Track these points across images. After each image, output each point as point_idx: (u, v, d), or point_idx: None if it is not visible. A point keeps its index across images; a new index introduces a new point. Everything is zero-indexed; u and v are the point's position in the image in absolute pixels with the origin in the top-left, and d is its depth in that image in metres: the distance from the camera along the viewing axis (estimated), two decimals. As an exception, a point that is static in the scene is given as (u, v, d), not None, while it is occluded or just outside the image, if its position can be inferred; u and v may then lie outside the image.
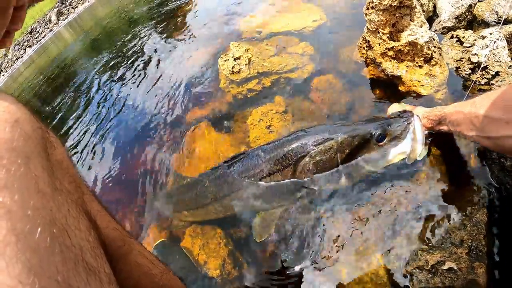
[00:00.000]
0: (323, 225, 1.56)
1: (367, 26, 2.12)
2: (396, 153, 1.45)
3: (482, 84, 1.75)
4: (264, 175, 1.60)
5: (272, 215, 1.60)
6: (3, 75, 14.94)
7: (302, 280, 1.44)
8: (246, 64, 2.65)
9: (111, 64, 5.25)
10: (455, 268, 1.20)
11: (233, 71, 2.66)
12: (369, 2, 2.01)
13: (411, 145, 1.41)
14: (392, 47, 1.99)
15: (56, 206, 0.57)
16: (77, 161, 3.22)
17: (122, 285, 0.78)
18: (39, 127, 0.63)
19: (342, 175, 1.50)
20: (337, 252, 1.46)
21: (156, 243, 1.85)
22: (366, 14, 2.07)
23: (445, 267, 1.22)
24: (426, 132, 1.47)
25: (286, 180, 1.57)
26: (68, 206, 0.62)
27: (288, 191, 1.58)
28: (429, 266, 1.24)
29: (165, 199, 2.13)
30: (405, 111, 1.50)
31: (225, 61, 2.76)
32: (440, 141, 1.58)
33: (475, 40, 1.87)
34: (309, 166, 1.52)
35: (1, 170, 0.50)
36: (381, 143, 1.45)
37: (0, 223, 0.46)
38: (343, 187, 1.55)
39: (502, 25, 1.94)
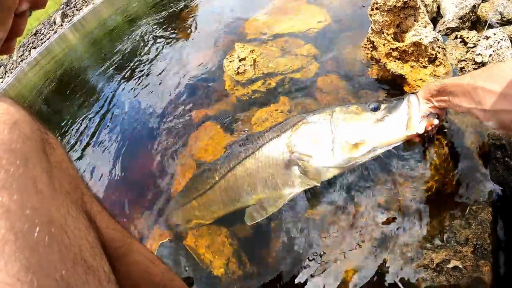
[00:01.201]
0: (326, 223, 1.57)
1: (371, 27, 2.13)
2: (392, 122, 1.43)
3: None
4: (264, 142, 1.64)
5: (268, 201, 1.60)
6: (8, 76, 15.03)
7: (307, 278, 1.45)
8: (251, 65, 2.67)
9: (115, 65, 5.27)
10: (460, 266, 1.20)
11: (238, 71, 2.68)
12: (374, 3, 2.02)
13: (407, 113, 1.40)
14: (397, 48, 2.00)
15: (55, 206, 0.58)
16: (83, 161, 3.25)
17: (122, 284, 0.78)
18: (38, 128, 0.64)
19: (336, 142, 1.48)
20: (341, 250, 1.46)
21: (161, 242, 1.85)
22: (370, 15, 2.08)
23: (450, 265, 1.22)
24: (426, 106, 1.43)
25: (284, 147, 1.59)
26: (67, 206, 0.63)
27: (284, 162, 1.58)
28: (434, 265, 1.25)
29: (177, 198, 2.15)
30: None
31: (230, 62, 2.79)
32: (444, 139, 1.59)
33: (479, 40, 1.87)
34: (302, 129, 1.55)
35: (0, 171, 0.50)
36: (376, 112, 1.47)
37: None
38: (339, 161, 1.52)
39: (505, 25, 1.95)
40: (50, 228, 0.53)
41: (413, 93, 1.47)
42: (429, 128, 1.41)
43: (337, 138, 1.48)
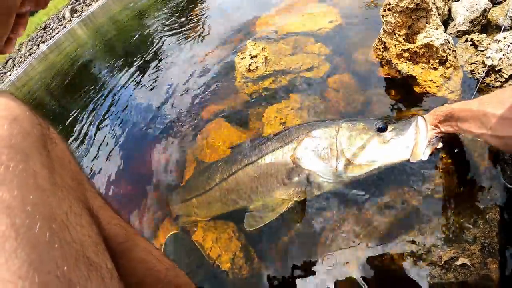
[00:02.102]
0: (334, 220, 1.58)
1: (383, 28, 2.14)
2: (397, 145, 1.43)
3: (496, 87, 1.76)
4: (268, 151, 1.66)
5: (267, 208, 1.61)
6: (16, 69, 15.11)
7: (312, 275, 1.47)
8: (262, 62, 2.69)
9: (124, 61, 5.28)
10: (468, 264, 1.22)
11: (249, 69, 2.70)
12: (386, 4, 2.03)
13: (414, 138, 1.40)
14: (408, 49, 2.01)
15: (56, 202, 0.58)
16: (90, 155, 3.28)
17: (126, 281, 0.77)
18: (39, 123, 0.64)
19: (340, 160, 1.50)
20: (348, 248, 1.48)
21: (168, 235, 1.86)
22: (383, 16, 2.09)
23: (458, 263, 1.24)
24: (433, 132, 1.44)
25: (287, 158, 1.60)
26: (69, 202, 0.63)
27: (287, 172, 1.60)
28: (443, 262, 1.27)
29: (178, 191, 2.19)
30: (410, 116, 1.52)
31: (242, 59, 2.81)
32: (453, 141, 1.60)
33: (489, 43, 1.88)
34: (308, 143, 1.56)
35: (0, 167, 0.51)
36: (382, 133, 1.47)
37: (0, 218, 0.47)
38: (341, 177, 1.53)
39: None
40: (51, 224, 0.53)
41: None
42: (433, 151, 1.42)
43: (341, 156, 1.50)
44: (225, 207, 1.83)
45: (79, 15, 17.55)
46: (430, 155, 1.42)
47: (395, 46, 2.07)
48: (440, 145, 1.44)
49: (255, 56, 2.71)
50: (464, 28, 2.16)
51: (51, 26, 17.58)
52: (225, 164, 1.85)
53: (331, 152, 1.52)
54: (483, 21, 2.17)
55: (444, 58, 1.94)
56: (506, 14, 2.11)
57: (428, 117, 1.45)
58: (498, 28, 2.12)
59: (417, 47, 1.98)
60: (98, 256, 0.63)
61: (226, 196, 1.79)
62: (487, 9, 2.15)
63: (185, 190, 2.12)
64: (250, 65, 2.69)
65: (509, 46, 1.76)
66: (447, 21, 2.35)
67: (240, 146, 1.98)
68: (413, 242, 1.38)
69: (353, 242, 1.49)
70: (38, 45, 16.52)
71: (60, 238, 0.53)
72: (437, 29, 1.99)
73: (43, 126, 0.66)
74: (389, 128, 1.47)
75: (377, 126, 1.47)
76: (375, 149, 1.46)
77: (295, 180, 1.58)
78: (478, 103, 1.18)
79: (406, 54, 2.04)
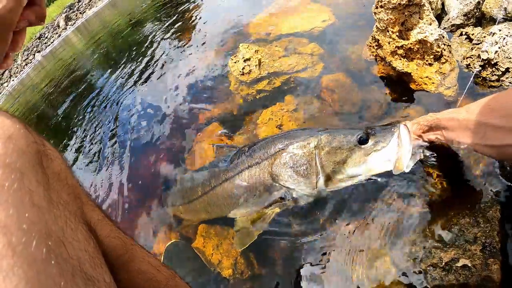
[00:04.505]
0: (334, 224, 1.57)
1: (376, 25, 2.12)
2: (379, 159, 1.38)
3: (492, 81, 1.74)
4: (244, 167, 1.63)
5: (252, 221, 1.60)
6: (13, 80, 15.16)
7: (314, 278, 1.45)
8: (256, 65, 2.67)
9: (119, 68, 5.27)
10: (469, 265, 1.20)
11: (243, 72, 2.68)
12: (378, 1, 2.01)
13: (396, 152, 1.34)
14: (402, 46, 1.99)
15: (52, 218, 0.58)
16: (88, 164, 3.27)
17: None
18: (34, 141, 0.64)
19: (320, 176, 1.46)
20: (349, 250, 1.46)
21: (168, 244, 1.86)
22: (375, 13, 2.07)
23: (459, 264, 1.22)
24: (417, 142, 1.41)
25: (265, 174, 1.57)
26: (65, 218, 0.63)
27: (265, 188, 1.58)
28: (443, 264, 1.25)
29: (168, 194, 2.22)
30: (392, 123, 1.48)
31: (235, 62, 2.79)
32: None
33: (484, 37, 1.86)
34: (286, 159, 1.52)
35: None
36: (363, 146, 1.41)
37: None
38: (321, 191, 1.51)
39: (511, 21, 1.94)
40: (47, 241, 0.53)
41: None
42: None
43: (320, 172, 1.46)
44: (210, 216, 1.86)
45: (74, 23, 17.59)
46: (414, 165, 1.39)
47: (389, 44, 2.05)
48: (422, 156, 1.41)
49: (248, 59, 2.69)
50: (458, 21, 2.14)
51: (46, 35, 17.63)
52: (206, 177, 1.84)
53: (310, 169, 1.48)
54: (477, 13, 2.15)
55: (439, 53, 1.92)
56: (500, 5, 2.09)
57: (412, 126, 1.42)
58: (492, 21, 2.10)
59: (411, 43, 1.96)
60: (96, 270, 0.64)
61: (209, 207, 1.81)
62: (481, 1, 2.13)
63: (172, 196, 2.15)
64: (243, 68, 2.67)
65: (504, 38, 1.74)
66: (440, 15, 2.33)
67: (221, 158, 1.92)
68: (413, 243, 1.36)
69: (354, 245, 1.47)
70: (34, 54, 16.57)
71: (57, 255, 0.54)
72: (430, 24, 1.97)
73: (38, 143, 0.66)
74: (371, 140, 1.41)
75: (359, 137, 1.42)
76: (356, 163, 1.42)
77: (275, 195, 1.56)
78: (466, 111, 1.16)
79: (400, 51, 2.01)
